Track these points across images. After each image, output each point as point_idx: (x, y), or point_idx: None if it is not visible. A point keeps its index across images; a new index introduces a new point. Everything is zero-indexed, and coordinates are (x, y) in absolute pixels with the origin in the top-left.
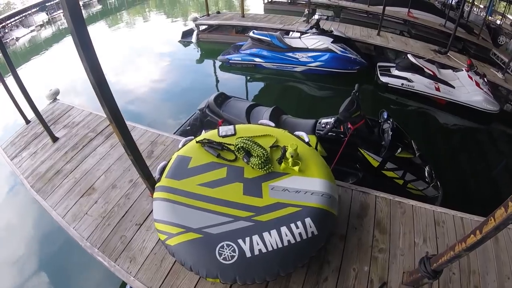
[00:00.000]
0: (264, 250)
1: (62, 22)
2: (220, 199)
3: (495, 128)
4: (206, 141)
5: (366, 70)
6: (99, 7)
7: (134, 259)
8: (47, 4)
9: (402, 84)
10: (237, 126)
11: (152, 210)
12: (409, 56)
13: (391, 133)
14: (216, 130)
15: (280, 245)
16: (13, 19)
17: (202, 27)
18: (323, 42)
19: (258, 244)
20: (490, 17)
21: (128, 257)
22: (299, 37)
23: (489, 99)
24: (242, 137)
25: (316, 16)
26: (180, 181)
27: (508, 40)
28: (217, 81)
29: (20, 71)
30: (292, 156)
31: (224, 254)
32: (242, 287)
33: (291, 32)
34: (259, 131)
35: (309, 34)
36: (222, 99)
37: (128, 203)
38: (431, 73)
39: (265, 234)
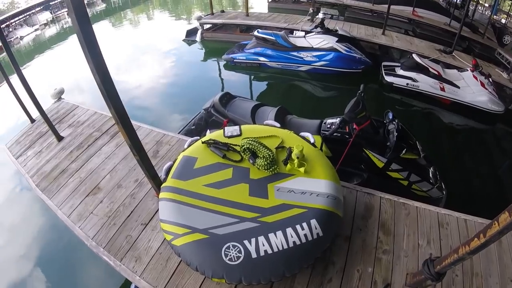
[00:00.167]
0: (269, 251)
1: (66, 20)
2: (226, 200)
3: (500, 129)
4: (212, 141)
5: (371, 69)
6: (103, 6)
7: (140, 258)
8: (51, 3)
9: (407, 84)
10: (242, 126)
11: (157, 210)
12: (414, 55)
13: (396, 134)
14: (221, 131)
15: (285, 246)
16: (17, 18)
17: (207, 26)
18: (328, 41)
19: (263, 245)
20: (495, 16)
21: (134, 257)
22: (304, 36)
23: (494, 99)
24: (248, 138)
25: (320, 15)
26: (186, 181)
27: None
28: (222, 80)
29: (25, 70)
30: (297, 157)
31: (230, 255)
32: (247, 287)
33: (295, 31)
34: (264, 131)
35: (314, 33)
36: (227, 98)
37: (134, 202)
38: (436, 73)
39: (271, 235)
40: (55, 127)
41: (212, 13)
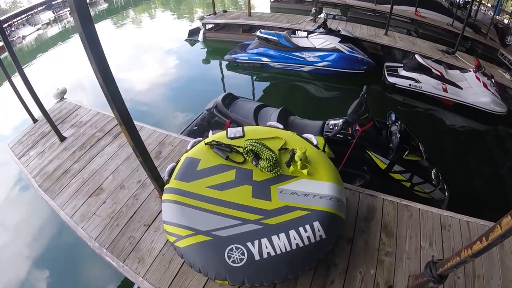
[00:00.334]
0: (272, 253)
1: (68, 20)
2: (229, 201)
3: (502, 130)
4: (214, 143)
5: (373, 70)
6: (105, 5)
7: (143, 259)
8: (53, 3)
9: (410, 84)
10: (245, 128)
11: (160, 211)
12: (416, 56)
13: (399, 135)
14: (224, 132)
15: (288, 249)
16: (19, 18)
17: (209, 26)
18: (331, 41)
19: (267, 248)
20: (497, 17)
21: (137, 258)
22: (306, 37)
23: (496, 100)
24: (251, 139)
25: (322, 15)
26: (189, 183)
27: None
28: (224, 80)
29: (27, 69)
30: (300, 159)
31: (233, 257)
32: None
33: (298, 32)
34: (267, 133)
35: (317, 33)
36: (230, 99)
37: (137, 203)
38: (438, 73)
39: (274, 238)
40: (57, 127)
41: (215, 13)
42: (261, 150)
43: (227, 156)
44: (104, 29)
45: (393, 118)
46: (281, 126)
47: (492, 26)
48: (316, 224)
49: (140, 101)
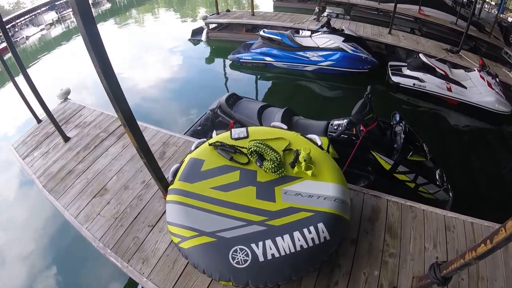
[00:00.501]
0: (276, 255)
1: (72, 20)
2: (233, 202)
3: (507, 130)
4: (218, 143)
5: (377, 69)
6: (108, 5)
7: (147, 260)
8: (56, 3)
9: (414, 84)
10: (249, 128)
11: (164, 212)
12: (420, 55)
13: (403, 136)
14: (228, 133)
15: (292, 250)
16: (23, 18)
17: (212, 26)
18: (334, 41)
19: (271, 249)
20: (502, 15)
21: (141, 258)
22: (310, 36)
23: (501, 100)
24: (255, 140)
25: (325, 14)
26: (193, 184)
27: None
28: (227, 80)
29: (31, 70)
30: (305, 160)
31: (237, 258)
32: None
33: (301, 31)
34: (271, 134)
35: (320, 33)
36: (233, 99)
37: (141, 204)
38: (442, 73)
39: (278, 239)
40: (61, 128)
41: (218, 13)
42: (265, 151)
43: (231, 157)
44: (107, 29)
45: (398, 119)
46: (285, 127)
47: (496, 24)
48: (321, 226)
49: (143, 101)
